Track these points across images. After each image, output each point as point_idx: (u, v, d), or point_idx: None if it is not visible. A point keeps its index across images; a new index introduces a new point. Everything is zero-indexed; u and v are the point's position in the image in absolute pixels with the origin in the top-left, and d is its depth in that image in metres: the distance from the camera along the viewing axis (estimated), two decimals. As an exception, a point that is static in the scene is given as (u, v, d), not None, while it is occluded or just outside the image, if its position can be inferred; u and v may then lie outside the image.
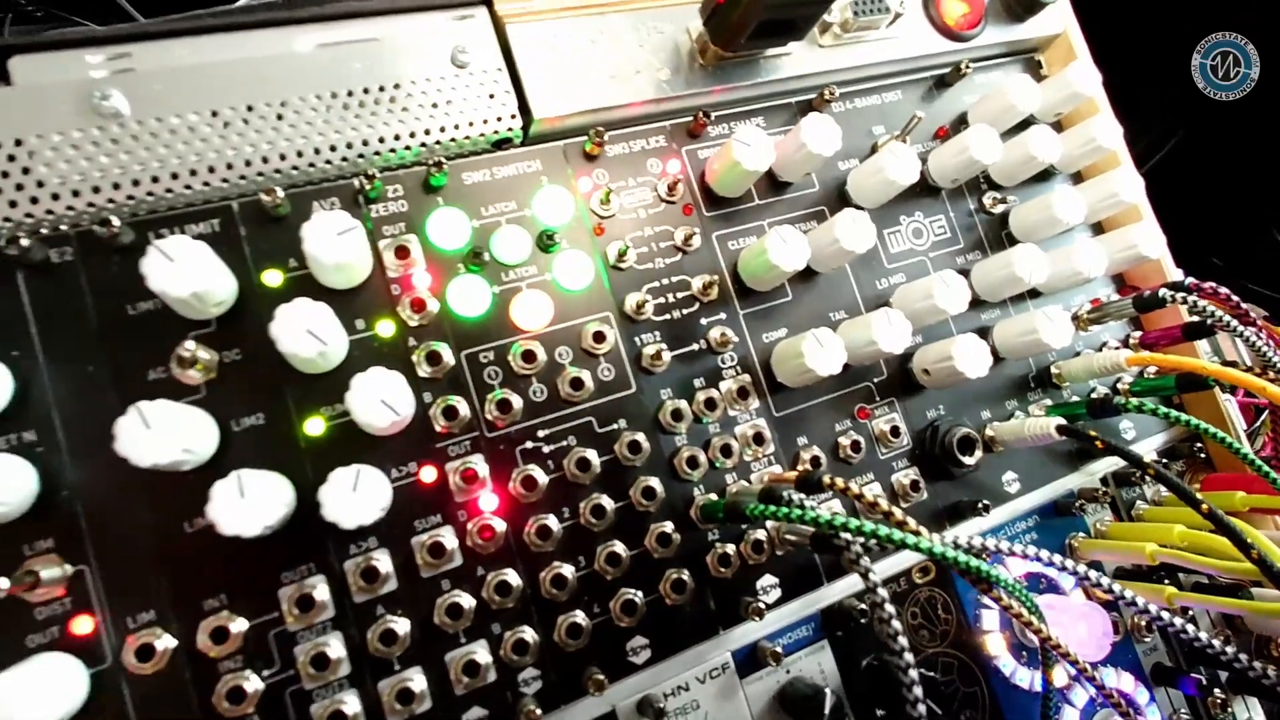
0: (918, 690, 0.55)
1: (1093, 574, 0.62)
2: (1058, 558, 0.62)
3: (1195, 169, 1.75)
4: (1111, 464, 0.88)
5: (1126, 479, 0.88)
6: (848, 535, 0.57)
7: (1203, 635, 0.61)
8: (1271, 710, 0.87)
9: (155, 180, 0.59)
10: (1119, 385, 0.88)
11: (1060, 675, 0.79)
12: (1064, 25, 0.94)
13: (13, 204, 0.56)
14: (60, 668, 0.52)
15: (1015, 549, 0.62)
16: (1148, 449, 0.90)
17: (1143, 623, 0.84)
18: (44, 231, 0.58)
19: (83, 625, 0.54)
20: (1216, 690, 0.84)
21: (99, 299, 0.58)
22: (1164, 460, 0.90)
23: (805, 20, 0.72)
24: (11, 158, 0.56)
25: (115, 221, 0.57)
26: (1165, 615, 0.62)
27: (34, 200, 0.57)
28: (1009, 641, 0.78)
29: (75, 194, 0.58)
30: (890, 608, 0.56)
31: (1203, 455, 0.91)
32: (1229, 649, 0.62)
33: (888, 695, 0.73)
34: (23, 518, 0.54)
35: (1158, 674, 0.84)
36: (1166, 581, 0.81)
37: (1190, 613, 0.86)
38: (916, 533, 0.56)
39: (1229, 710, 0.84)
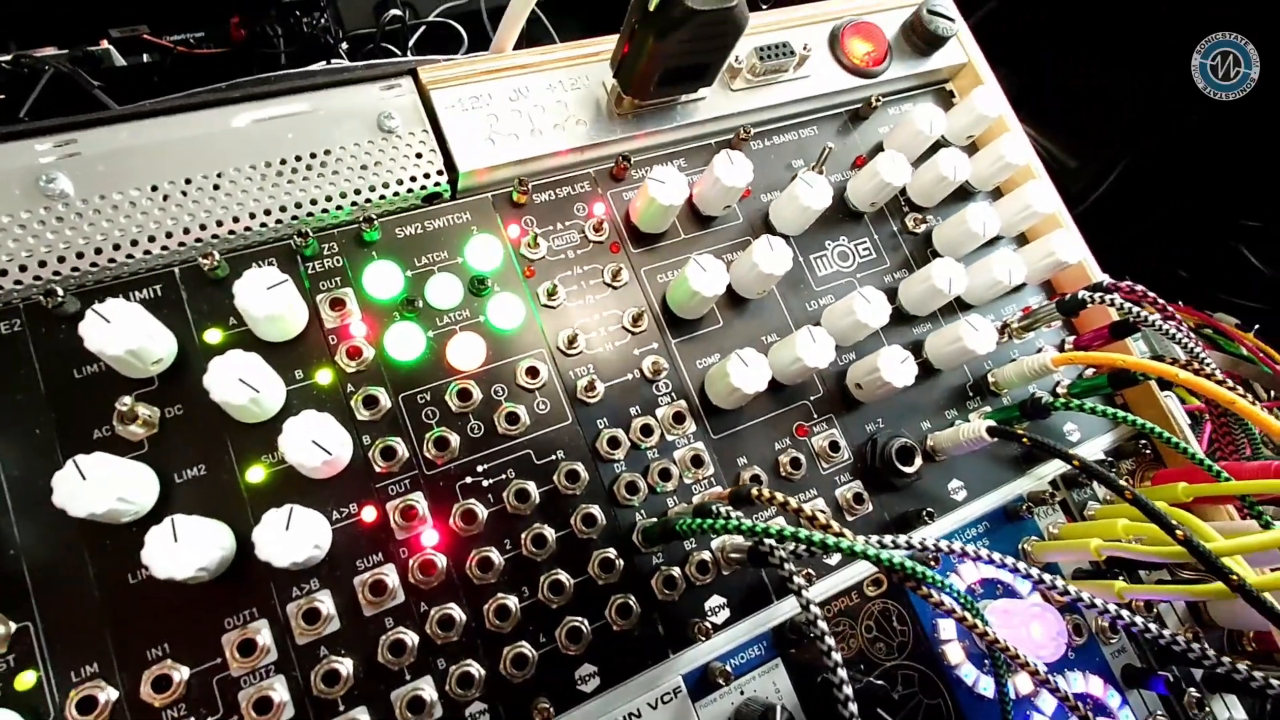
0: (853, 707, 0.55)
1: (1036, 572, 0.62)
2: (1003, 556, 0.62)
3: (1156, 189, 1.81)
4: (1059, 466, 0.89)
5: (1075, 480, 0.89)
6: (771, 541, 0.59)
7: (1162, 631, 0.60)
8: (1252, 707, 0.85)
9: (99, 252, 0.64)
10: (1058, 389, 0.90)
11: (1024, 683, 0.79)
12: (968, 56, 1.00)
13: (-36, 282, 0.60)
14: (-1, 724, 0.53)
15: (958, 547, 0.62)
16: (1095, 449, 0.91)
17: (1106, 624, 0.84)
18: (-6, 306, 0.62)
19: (25, 680, 0.55)
20: (1192, 690, 0.83)
21: (46, 365, 0.62)
22: (1110, 460, 0.91)
23: (707, 67, 0.77)
24: (-37, 240, 0.61)
25: (60, 292, 0.61)
26: (1115, 609, 0.62)
27: (-16, 277, 0.61)
28: (968, 650, 0.78)
29: (23, 269, 0.62)
30: (816, 609, 0.57)
31: (1148, 452, 0.92)
32: (1195, 644, 0.61)
33: None
34: (-33, 578, 0.56)
35: (1128, 676, 0.83)
36: (1122, 578, 0.81)
37: (1156, 611, 0.85)
38: (840, 534, 0.57)
39: (1206, 709, 0.83)
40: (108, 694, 0.56)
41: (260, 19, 1.53)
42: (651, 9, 0.68)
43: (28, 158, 0.64)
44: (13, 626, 0.56)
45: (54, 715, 0.55)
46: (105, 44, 1.42)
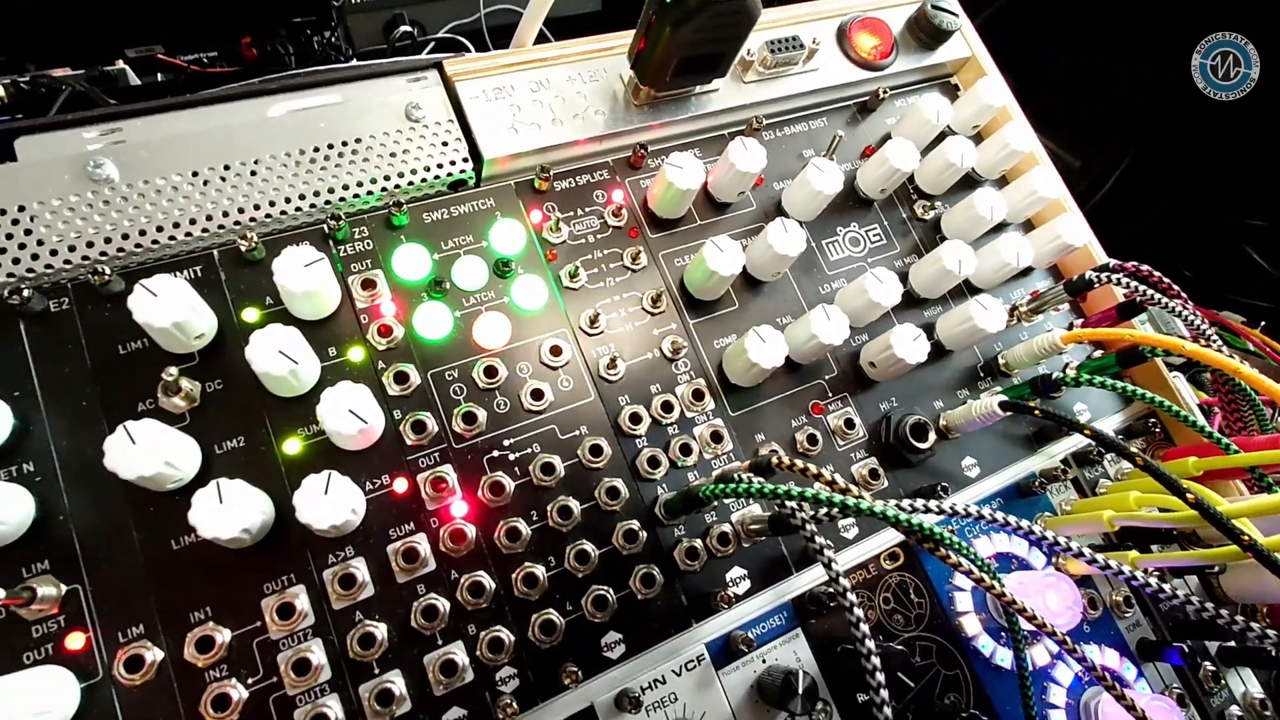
0: (876, 660, 0.56)
1: (1052, 534, 0.63)
2: (1019, 520, 0.62)
3: (1160, 188, 1.83)
4: (1071, 445, 0.91)
5: (1087, 458, 0.91)
6: (791, 503, 0.60)
7: (1176, 591, 0.61)
8: (1268, 680, 0.86)
9: (142, 234, 0.67)
10: (1067, 369, 0.91)
11: (1041, 653, 0.80)
12: (972, 50, 1.03)
13: (16, 261, 0.63)
14: (52, 680, 0.55)
15: (974, 510, 0.62)
16: (1106, 428, 0.93)
17: (1120, 599, 0.85)
18: (44, 285, 0.65)
19: (75, 641, 0.57)
20: (1207, 664, 0.84)
21: (92, 342, 0.64)
22: (1121, 436, 0.92)
23: (721, 58, 0.80)
24: (15, 222, 0.64)
25: (107, 272, 0.64)
26: (1129, 570, 0.63)
27: (35, 257, 0.64)
28: (985, 623, 0.79)
29: (71, 250, 0.65)
30: (838, 567, 0.59)
31: (1157, 430, 0.93)
32: (1210, 604, 0.62)
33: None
34: (22, 541, 0.58)
35: (1144, 649, 0.84)
36: (1135, 551, 0.82)
37: (1171, 584, 0.86)
38: (859, 496, 0.59)
39: (1222, 681, 0.84)
40: (154, 654, 0.58)
41: (271, 38, 1.57)
42: (667, 0, 0.71)
43: (76, 145, 0.67)
44: (63, 589, 0.58)
45: (103, 674, 0.57)
46: (121, 64, 1.46)
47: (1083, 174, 1.94)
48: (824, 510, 0.60)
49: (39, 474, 0.60)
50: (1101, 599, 0.85)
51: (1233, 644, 0.85)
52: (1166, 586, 0.62)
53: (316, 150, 0.73)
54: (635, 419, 0.75)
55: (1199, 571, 0.88)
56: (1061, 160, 1.96)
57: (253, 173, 0.71)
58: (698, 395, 0.78)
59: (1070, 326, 0.96)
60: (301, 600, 0.62)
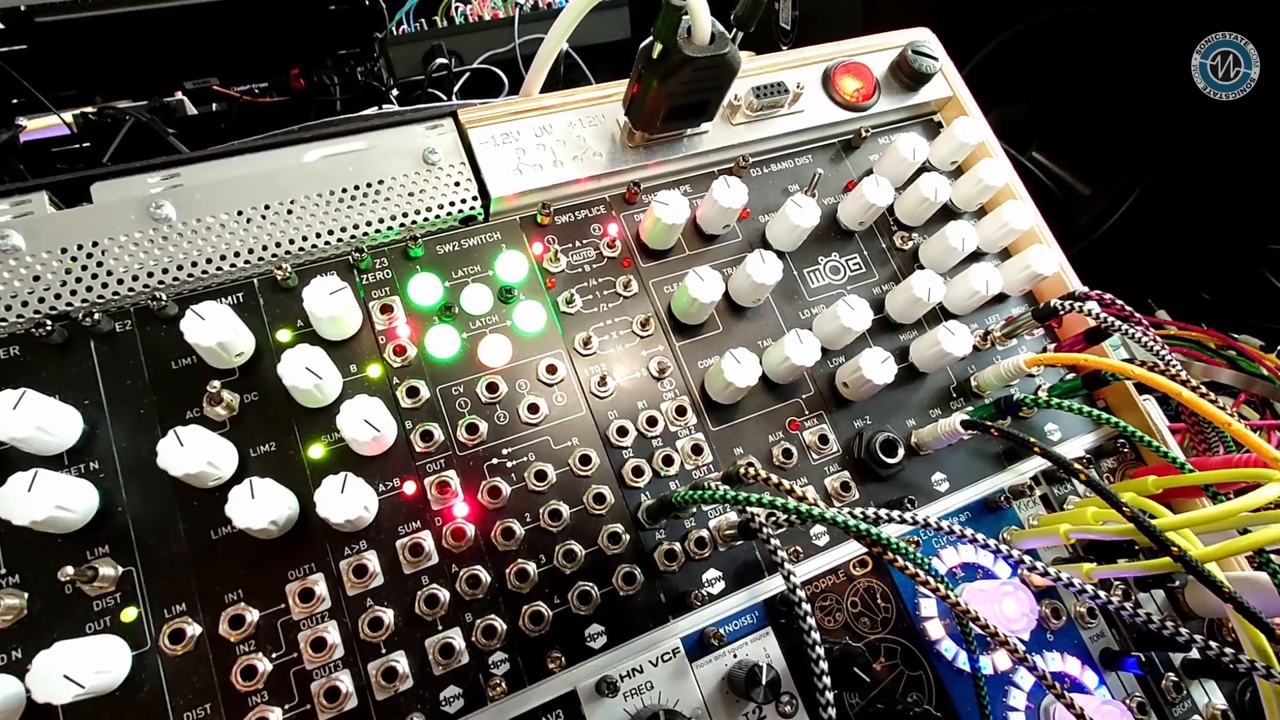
0: (820, 650, 0.63)
1: (994, 542, 0.69)
2: (974, 532, 0.68)
3: (1174, 212, 1.84)
4: (1040, 463, 0.96)
5: (1055, 475, 0.95)
6: (752, 509, 0.67)
7: (1124, 603, 0.66)
8: (1231, 694, 0.89)
9: (194, 265, 0.77)
10: (1039, 391, 0.97)
11: (1004, 658, 0.85)
12: (953, 90, 1.09)
13: (89, 289, 0.74)
14: (109, 647, 0.64)
15: (933, 521, 0.69)
16: (1076, 448, 0.98)
17: (1084, 610, 0.89)
18: (111, 309, 0.75)
19: (129, 615, 0.67)
20: (1170, 674, 0.87)
21: (150, 358, 0.75)
22: (1090, 457, 0.97)
23: (707, 105, 0.88)
24: (89, 255, 0.74)
25: (163, 298, 0.74)
26: (1079, 583, 0.67)
27: (104, 285, 0.75)
28: (949, 628, 0.85)
29: (135, 279, 0.75)
30: (790, 567, 0.66)
31: (1127, 452, 0.98)
32: (1141, 612, 0.67)
33: (833, 677, 0.79)
34: (87, 528, 0.68)
35: (1106, 659, 0.88)
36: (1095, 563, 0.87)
37: (1135, 598, 0.91)
38: (814, 504, 0.66)
39: (1184, 692, 0.87)
40: (193, 628, 0.67)
41: (318, 69, 1.70)
42: (654, 56, 0.80)
43: (141, 189, 0.78)
44: (120, 570, 0.68)
45: (150, 644, 0.66)
46: (179, 95, 1.60)
47: (1093, 201, 1.97)
48: (783, 516, 0.67)
49: (102, 471, 0.70)
50: (1066, 609, 0.89)
51: (1196, 656, 0.89)
52: (1103, 594, 0.68)
53: (344, 191, 0.83)
54: (622, 432, 0.83)
55: (1163, 584, 0.92)
56: (1074, 189, 1.99)
57: (289, 211, 0.81)
58: (681, 411, 0.86)
59: (1044, 350, 1.01)
60: (320, 586, 0.71)
